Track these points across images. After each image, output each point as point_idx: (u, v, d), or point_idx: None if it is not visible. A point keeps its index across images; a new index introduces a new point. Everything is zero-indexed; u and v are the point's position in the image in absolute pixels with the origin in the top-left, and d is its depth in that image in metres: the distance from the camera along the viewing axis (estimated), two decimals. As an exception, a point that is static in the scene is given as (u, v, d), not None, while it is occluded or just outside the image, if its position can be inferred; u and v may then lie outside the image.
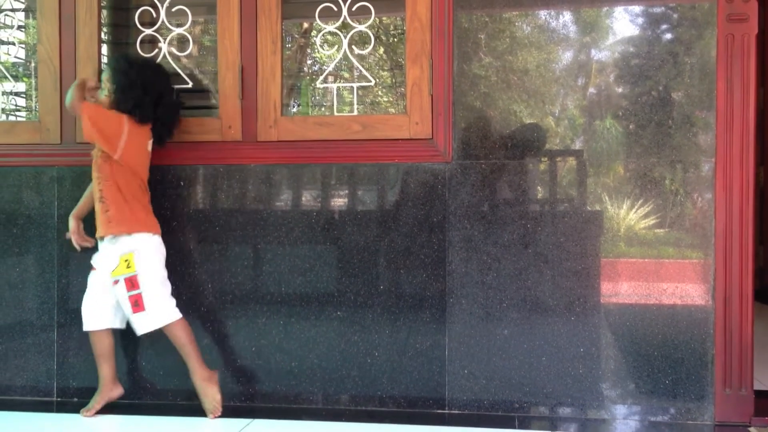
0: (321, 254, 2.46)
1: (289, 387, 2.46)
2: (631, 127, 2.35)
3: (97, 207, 2.32)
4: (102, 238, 2.32)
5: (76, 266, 2.54)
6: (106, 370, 2.37)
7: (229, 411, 2.34)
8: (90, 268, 2.37)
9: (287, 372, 2.46)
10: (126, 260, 2.28)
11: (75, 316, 2.53)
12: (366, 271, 2.43)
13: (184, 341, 2.31)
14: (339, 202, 2.51)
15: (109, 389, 2.37)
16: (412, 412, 2.39)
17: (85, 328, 2.36)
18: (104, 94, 2.34)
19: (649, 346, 2.30)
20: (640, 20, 2.38)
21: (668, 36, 2.36)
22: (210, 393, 2.32)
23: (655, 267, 2.31)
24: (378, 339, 2.42)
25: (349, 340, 2.44)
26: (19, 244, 2.58)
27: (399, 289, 2.42)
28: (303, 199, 2.52)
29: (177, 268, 2.47)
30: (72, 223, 2.41)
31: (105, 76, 2.35)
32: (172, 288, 2.36)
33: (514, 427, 2.25)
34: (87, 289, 2.37)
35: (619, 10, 2.39)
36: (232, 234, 2.49)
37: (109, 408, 2.37)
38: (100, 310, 2.34)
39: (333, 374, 2.44)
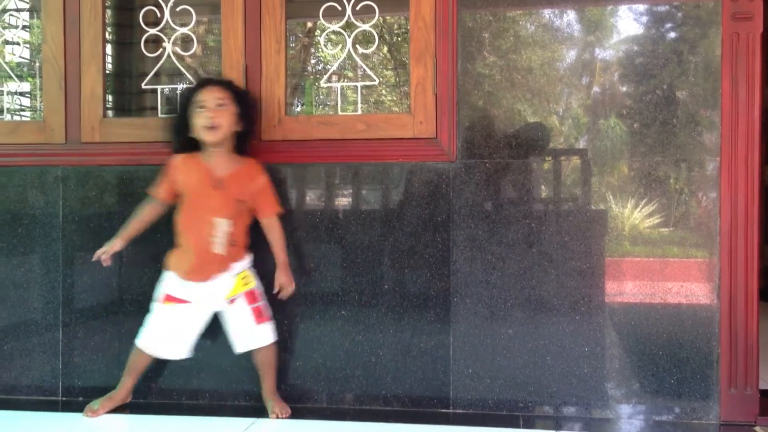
0: (325, 253, 2.46)
1: (294, 386, 2.46)
2: (635, 126, 2.34)
3: (221, 250, 2.27)
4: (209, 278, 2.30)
5: (80, 266, 2.55)
6: (129, 382, 2.38)
7: (234, 410, 2.35)
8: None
9: (292, 371, 2.47)
10: (243, 277, 2.31)
11: (80, 315, 2.54)
12: (370, 271, 2.43)
13: (274, 358, 2.36)
14: (343, 201, 2.51)
15: (122, 398, 2.38)
16: (416, 411, 2.39)
17: (149, 351, 2.34)
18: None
19: (654, 345, 2.29)
20: (644, 19, 2.37)
21: (673, 35, 2.35)
22: (273, 405, 2.34)
23: (659, 266, 2.31)
24: (382, 338, 2.42)
25: (354, 340, 2.44)
26: (24, 243, 2.58)
27: (403, 289, 2.41)
28: (307, 198, 2.52)
29: (181, 268, 2.47)
30: (117, 244, 2.33)
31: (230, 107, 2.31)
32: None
33: (518, 427, 2.25)
34: (166, 321, 2.30)
35: (623, 9, 2.38)
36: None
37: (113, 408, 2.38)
38: (185, 340, 2.32)
39: (337, 373, 2.44)
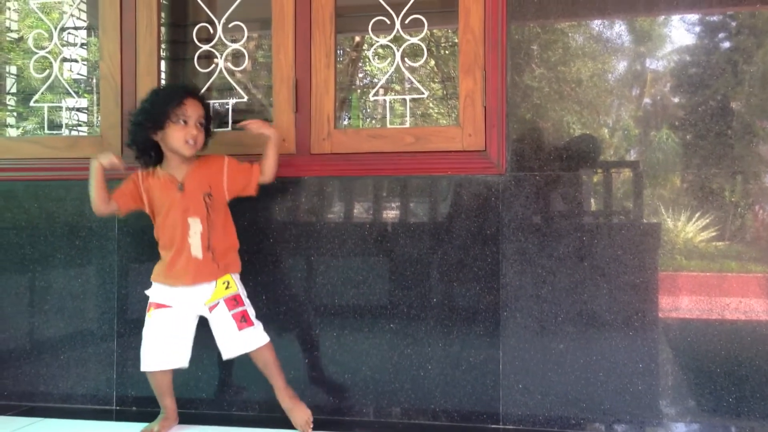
0: (374, 266, 2.47)
1: (342, 399, 2.47)
2: (688, 137, 2.30)
3: (199, 253, 2.26)
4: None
5: (135, 277, 2.60)
6: (169, 402, 2.36)
7: (282, 422, 2.36)
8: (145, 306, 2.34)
9: (340, 384, 2.47)
10: (225, 282, 2.28)
11: (134, 326, 2.59)
12: (419, 284, 2.42)
13: (273, 360, 2.30)
14: (392, 214, 2.52)
15: (173, 420, 2.37)
16: (465, 426, 2.36)
17: (150, 368, 2.31)
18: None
19: (712, 362, 2.23)
20: (696, 29, 2.33)
21: (727, 44, 2.31)
22: (300, 409, 2.31)
23: (717, 281, 2.25)
24: (431, 352, 2.41)
25: (402, 353, 2.43)
26: (81, 255, 2.65)
27: (452, 302, 2.40)
28: (355, 211, 2.53)
29: (232, 280, 2.51)
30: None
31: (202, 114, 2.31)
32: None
33: (570, 444, 2.22)
34: (150, 331, 2.29)
35: (675, 19, 2.34)
36: (285, 246, 2.52)
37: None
38: (175, 348, 2.30)
39: (385, 387, 2.44)
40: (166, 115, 2.23)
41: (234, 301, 2.27)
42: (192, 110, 2.25)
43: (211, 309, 2.27)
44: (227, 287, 2.28)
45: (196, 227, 2.26)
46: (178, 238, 2.26)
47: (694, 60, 2.31)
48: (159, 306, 2.29)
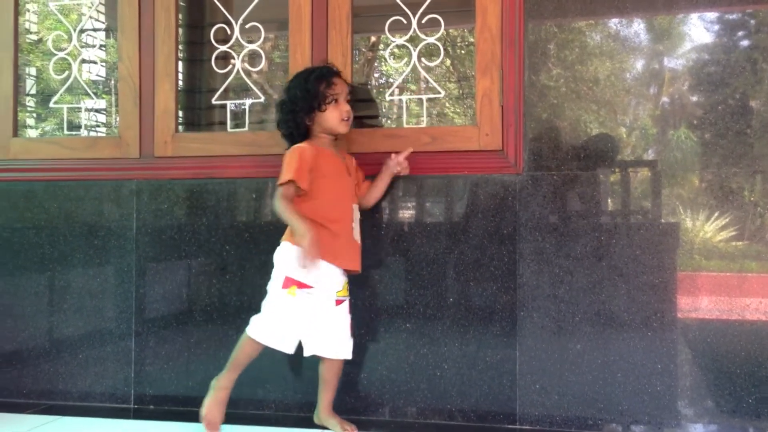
0: (390, 266, 2.47)
1: (358, 399, 2.47)
2: (707, 136, 2.28)
3: (359, 238, 2.29)
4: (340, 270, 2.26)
5: (152, 276, 2.62)
6: (235, 376, 2.26)
7: (298, 421, 2.36)
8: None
9: (356, 383, 2.47)
10: (346, 283, 2.29)
11: (152, 325, 2.61)
12: (435, 283, 2.42)
13: (339, 373, 2.31)
14: (408, 213, 2.52)
15: (227, 395, 2.26)
16: (481, 426, 2.36)
17: (274, 345, 2.19)
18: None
19: (731, 363, 2.21)
20: (715, 27, 2.31)
21: (746, 42, 2.29)
22: (338, 422, 2.30)
23: (737, 281, 2.23)
24: (447, 352, 2.40)
25: (418, 353, 2.43)
26: (100, 254, 2.67)
27: (469, 302, 2.40)
28: (372, 210, 2.53)
29: (251, 281, 2.52)
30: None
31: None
32: (247, 301, 2.40)
33: (588, 445, 2.20)
34: (288, 311, 2.17)
35: (693, 17, 2.32)
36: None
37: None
38: (302, 332, 2.21)
39: (402, 387, 2.44)
40: (322, 97, 2.23)
41: (350, 306, 2.31)
42: (341, 87, 2.27)
43: (337, 303, 2.25)
44: (348, 289, 2.30)
45: (356, 213, 2.29)
46: (346, 221, 2.24)
47: (713, 58, 2.29)
48: (303, 285, 2.17)
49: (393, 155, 2.39)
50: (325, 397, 2.31)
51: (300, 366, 2.48)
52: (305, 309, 2.19)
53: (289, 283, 2.17)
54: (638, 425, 2.27)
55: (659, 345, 2.26)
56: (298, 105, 2.25)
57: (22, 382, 2.72)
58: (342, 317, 2.26)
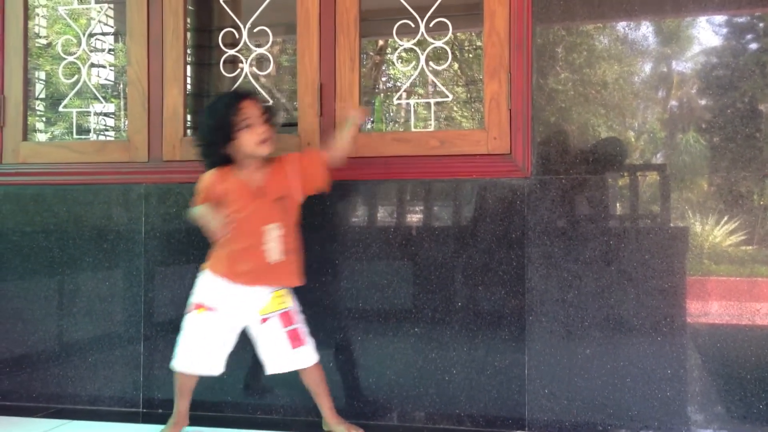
0: (398, 270, 2.47)
1: (366, 403, 2.47)
2: (716, 140, 2.27)
3: (277, 257, 2.22)
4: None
5: (161, 280, 2.62)
6: (184, 404, 2.33)
7: (306, 425, 2.36)
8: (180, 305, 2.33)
9: (364, 388, 2.47)
10: (280, 296, 2.24)
11: (161, 329, 2.61)
12: (443, 288, 2.42)
13: (322, 379, 2.30)
14: (416, 217, 2.51)
15: (183, 423, 2.34)
16: (490, 431, 2.35)
17: (185, 370, 2.28)
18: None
19: (742, 368, 2.20)
20: (724, 30, 2.30)
21: (755, 45, 2.28)
22: (346, 428, 2.29)
23: (747, 286, 2.22)
24: (456, 356, 2.40)
25: (427, 357, 2.42)
26: (108, 258, 2.68)
27: (477, 306, 2.39)
28: (379, 215, 2.53)
29: (257, 283, 2.52)
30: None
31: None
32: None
33: (597, 450, 2.19)
34: (196, 332, 2.25)
35: (701, 21, 2.31)
36: (309, 250, 2.52)
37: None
38: (217, 354, 2.27)
39: (410, 391, 2.43)
40: (232, 126, 2.19)
41: (288, 318, 2.25)
42: (251, 110, 2.21)
43: (263, 321, 2.24)
44: (282, 302, 2.25)
45: (273, 233, 2.23)
46: (254, 244, 2.22)
47: (722, 61, 2.28)
48: (210, 308, 2.24)
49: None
50: (323, 405, 2.31)
51: (308, 370, 2.48)
52: (214, 330, 2.24)
53: (196, 306, 2.26)
54: (648, 431, 2.26)
55: (669, 350, 2.24)
56: (210, 138, 2.24)
57: (32, 386, 2.73)
58: (272, 333, 2.23)
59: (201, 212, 2.23)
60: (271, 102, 2.66)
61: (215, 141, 2.23)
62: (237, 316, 2.26)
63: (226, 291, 2.24)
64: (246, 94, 2.29)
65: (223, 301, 2.24)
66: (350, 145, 2.31)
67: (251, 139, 2.21)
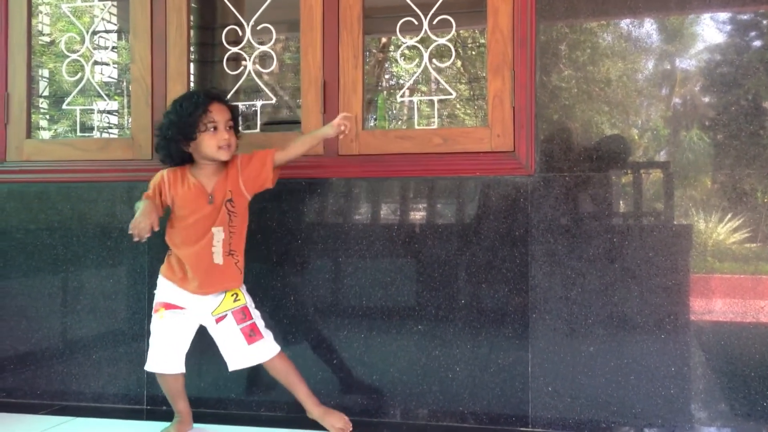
0: (401, 268, 2.47)
1: (370, 400, 2.47)
2: (719, 137, 2.27)
3: (220, 259, 2.22)
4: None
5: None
6: (182, 405, 2.34)
7: (311, 423, 2.36)
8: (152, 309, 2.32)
9: (367, 386, 2.47)
10: (233, 294, 2.25)
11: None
12: (447, 285, 2.42)
13: (290, 368, 2.29)
14: (419, 215, 2.51)
15: (188, 423, 2.35)
16: (493, 429, 2.35)
17: (162, 371, 2.29)
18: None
19: (746, 366, 2.20)
20: (727, 27, 2.30)
21: (758, 43, 2.27)
22: (334, 415, 2.29)
23: (752, 284, 2.22)
24: (459, 354, 2.40)
25: (430, 355, 2.43)
26: (112, 256, 2.69)
27: (480, 304, 2.39)
28: (383, 212, 2.54)
29: (260, 281, 2.52)
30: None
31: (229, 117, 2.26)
32: (256, 301, 2.40)
33: (600, 447, 2.20)
34: (160, 332, 2.28)
35: (705, 18, 2.31)
36: (313, 247, 2.53)
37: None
38: (181, 353, 2.29)
39: (413, 389, 2.44)
40: (195, 126, 2.17)
41: (242, 314, 2.25)
42: (219, 115, 2.20)
43: (218, 320, 2.25)
44: (236, 299, 2.25)
45: (219, 236, 2.23)
46: (202, 247, 2.22)
47: (726, 59, 2.28)
48: (170, 307, 2.27)
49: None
50: (299, 394, 2.30)
51: (309, 367, 2.48)
52: (178, 328, 2.27)
53: (159, 306, 2.28)
54: (652, 428, 2.26)
55: (672, 347, 2.24)
56: (171, 132, 2.21)
57: (36, 383, 2.74)
58: (228, 331, 2.24)
59: (141, 208, 2.16)
60: (273, 100, 2.66)
61: (174, 138, 2.20)
62: (193, 317, 2.28)
63: (179, 295, 2.26)
64: (217, 96, 2.26)
65: (184, 301, 2.26)
66: (307, 148, 2.29)
67: (212, 143, 2.19)
